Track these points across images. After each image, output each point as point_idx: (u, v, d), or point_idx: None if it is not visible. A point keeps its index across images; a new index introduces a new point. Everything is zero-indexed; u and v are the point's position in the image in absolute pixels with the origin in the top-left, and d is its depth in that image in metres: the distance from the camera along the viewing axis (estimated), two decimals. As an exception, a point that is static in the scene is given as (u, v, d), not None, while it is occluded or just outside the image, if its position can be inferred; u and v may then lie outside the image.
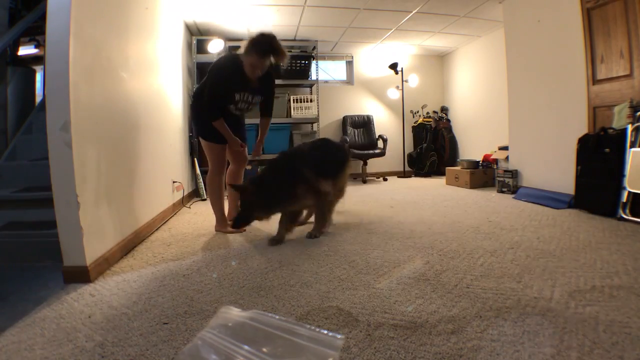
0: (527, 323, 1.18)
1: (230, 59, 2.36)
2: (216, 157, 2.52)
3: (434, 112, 6.16)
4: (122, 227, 2.12)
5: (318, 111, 5.17)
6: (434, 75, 6.27)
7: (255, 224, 2.34)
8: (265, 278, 1.68)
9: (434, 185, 4.71)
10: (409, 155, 5.91)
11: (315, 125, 5.36)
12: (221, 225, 2.59)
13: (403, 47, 5.75)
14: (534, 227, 2.43)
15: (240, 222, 2.23)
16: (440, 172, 5.66)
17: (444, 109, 6.17)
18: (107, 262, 1.87)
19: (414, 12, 4.20)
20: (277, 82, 5.01)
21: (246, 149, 2.65)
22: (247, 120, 4.92)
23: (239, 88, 2.34)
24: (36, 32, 3.54)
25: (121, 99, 2.20)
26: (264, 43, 2.22)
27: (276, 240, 2.26)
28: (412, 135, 6.07)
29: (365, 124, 5.69)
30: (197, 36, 4.61)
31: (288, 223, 2.34)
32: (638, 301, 1.30)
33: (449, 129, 5.93)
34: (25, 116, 2.85)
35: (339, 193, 2.58)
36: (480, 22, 4.58)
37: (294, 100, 5.08)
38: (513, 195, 3.67)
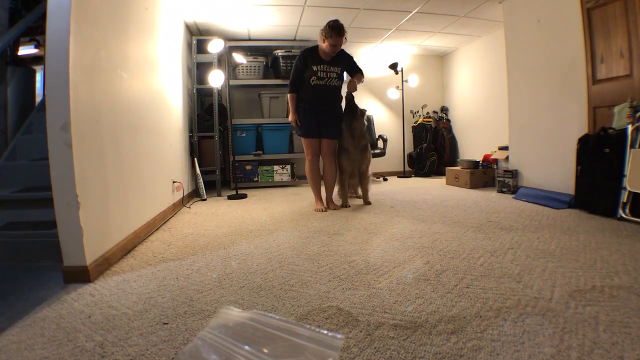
0: (527, 323, 1.18)
1: (307, 48, 3.23)
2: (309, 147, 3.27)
3: (434, 112, 6.16)
4: (122, 227, 2.12)
5: (318, 111, 5.16)
6: (434, 75, 6.27)
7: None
8: (265, 278, 1.68)
9: (434, 186, 4.71)
10: (409, 155, 5.91)
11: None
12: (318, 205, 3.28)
13: (403, 47, 5.75)
14: (534, 227, 2.43)
15: None
16: (440, 172, 5.66)
17: (444, 109, 6.17)
18: (107, 262, 1.87)
19: (414, 12, 4.20)
20: (277, 82, 5.05)
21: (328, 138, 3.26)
22: (249, 120, 4.96)
23: (316, 62, 3.11)
24: (36, 32, 3.54)
25: (121, 99, 2.20)
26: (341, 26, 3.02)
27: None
28: (412, 135, 6.07)
29: (365, 124, 5.68)
30: (197, 36, 4.61)
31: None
32: (638, 301, 1.30)
33: (449, 129, 5.93)
34: (25, 116, 2.84)
35: None
36: (480, 22, 4.58)
37: (294, 100, 5.07)
38: (513, 195, 3.67)
